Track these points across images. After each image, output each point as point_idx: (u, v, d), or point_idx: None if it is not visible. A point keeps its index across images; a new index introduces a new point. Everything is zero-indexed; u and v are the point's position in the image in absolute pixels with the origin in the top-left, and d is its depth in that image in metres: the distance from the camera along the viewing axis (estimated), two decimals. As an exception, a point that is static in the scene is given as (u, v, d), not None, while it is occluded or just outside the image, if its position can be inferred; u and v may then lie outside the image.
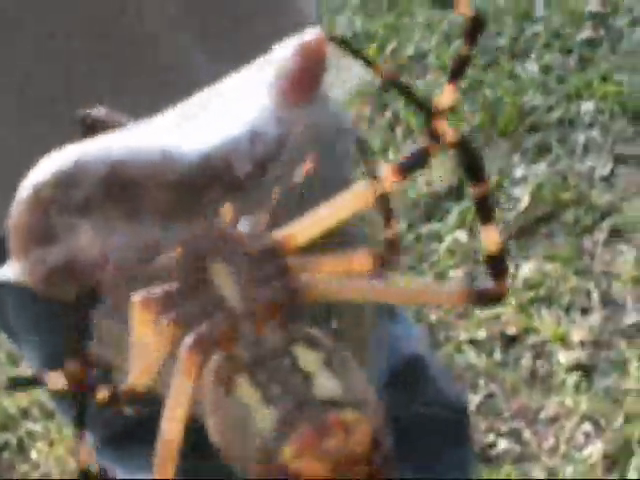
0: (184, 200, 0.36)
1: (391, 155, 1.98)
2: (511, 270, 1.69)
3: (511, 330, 1.61)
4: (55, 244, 0.35)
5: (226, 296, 0.40)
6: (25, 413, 1.73)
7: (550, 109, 1.97)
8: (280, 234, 0.41)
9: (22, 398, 1.73)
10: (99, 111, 0.41)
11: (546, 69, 2.08)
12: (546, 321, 1.60)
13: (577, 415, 1.48)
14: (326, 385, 0.39)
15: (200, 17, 0.77)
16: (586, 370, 1.53)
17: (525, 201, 1.80)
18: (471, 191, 0.43)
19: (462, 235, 1.78)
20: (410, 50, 2.23)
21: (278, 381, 0.39)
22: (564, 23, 2.18)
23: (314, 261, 0.42)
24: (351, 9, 2.44)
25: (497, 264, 0.43)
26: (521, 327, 1.61)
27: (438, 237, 1.79)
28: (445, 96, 0.43)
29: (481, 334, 1.62)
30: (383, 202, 0.42)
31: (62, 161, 0.36)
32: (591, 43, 2.11)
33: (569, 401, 1.49)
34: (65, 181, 0.35)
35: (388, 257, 0.43)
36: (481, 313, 1.64)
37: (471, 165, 0.43)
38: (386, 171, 0.41)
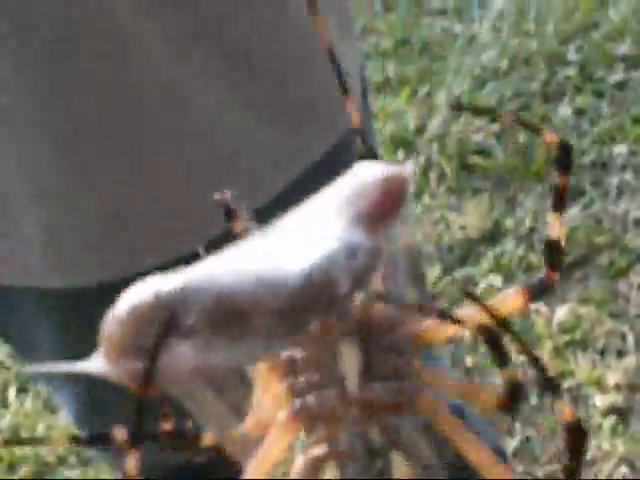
0: (288, 322, 0.36)
1: (426, 200, 2.01)
2: (546, 314, 1.72)
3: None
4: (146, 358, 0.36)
5: (347, 377, 0.40)
6: (62, 461, 1.76)
7: (583, 152, 2.00)
8: (412, 327, 0.42)
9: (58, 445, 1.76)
10: (227, 195, 0.45)
11: (578, 112, 2.11)
12: (581, 365, 1.62)
13: (614, 458, 1.49)
14: None
15: (239, 75, 0.77)
16: (622, 413, 1.55)
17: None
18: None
19: (497, 279, 1.80)
20: (442, 94, 2.26)
21: None
22: (596, 66, 2.21)
23: (442, 374, 0.43)
24: (383, 54, 2.48)
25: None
26: (557, 371, 1.63)
27: (473, 281, 1.82)
28: (554, 228, 0.44)
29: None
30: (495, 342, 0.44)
31: (168, 284, 0.36)
32: (623, 86, 2.14)
33: (606, 444, 1.51)
34: (168, 305, 0.35)
35: (510, 401, 0.43)
36: (517, 357, 1.66)
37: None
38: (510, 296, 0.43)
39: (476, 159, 2.05)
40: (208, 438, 0.41)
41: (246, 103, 0.76)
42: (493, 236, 1.89)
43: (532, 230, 1.88)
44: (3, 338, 0.91)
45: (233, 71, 0.75)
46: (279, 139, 0.77)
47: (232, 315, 0.35)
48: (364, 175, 0.39)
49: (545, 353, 1.65)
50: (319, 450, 0.40)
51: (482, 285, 1.79)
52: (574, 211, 1.88)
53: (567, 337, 1.67)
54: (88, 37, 0.69)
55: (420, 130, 2.19)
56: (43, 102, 0.70)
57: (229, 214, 0.45)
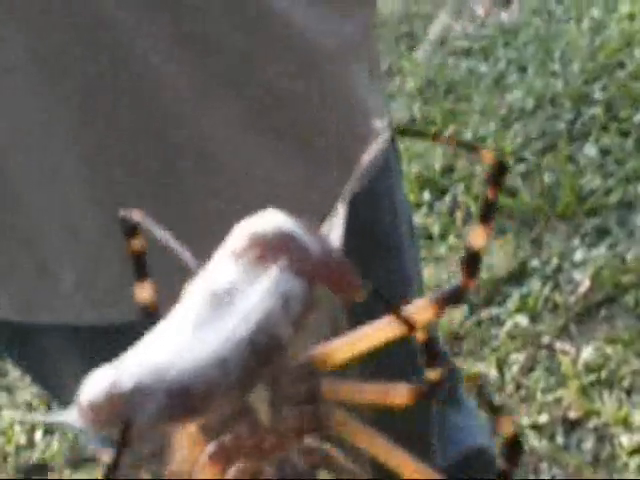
0: (244, 390, 0.37)
1: (451, 240, 2.06)
2: (572, 353, 1.76)
3: (573, 414, 1.67)
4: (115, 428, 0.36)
5: (257, 409, 0.41)
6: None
7: (609, 192, 2.05)
8: (317, 351, 0.42)
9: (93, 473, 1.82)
10: (137, 215, 0.45)
11: (604, 151, 2.15)
12: (607, 404, 1.66)
13: (641, 498, 1.53)
14: None
15: (267, 121, 0.79)
16: (648, 453, 1.58)
17: (585, 284, 1.87)
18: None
19: (523, 319, 1.84)
20: (468, 135, 2.31)
21: None
22: (621, 105, 2.25)
23: (351, 387, 0.44)
24: (408, 94, 2.54)
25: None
26: (583, 410, 1.67)
27: (499, 321, 1.86)
28: (477, 238, 0.44)
29: (543, 418, 1.68)
30: (424, 336, 0.44)
31: (117, 382, 0.36)
32: (649, 125, 2.19)
33: (632, 484, 1.54)
34: (121, 407, 0.36)
35: (430, 392, 0.44)
36: (543, 397, 1.70)
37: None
38: (423, 304, 0.42)
39: (502, 199, 2.10)
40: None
41: (275, 153, 0.79)
42: (519, 276, 1.94)
43: (558, 270, 1.92)
44: (35, 379, 0.95)
45: (261, 117, 0.78)
46: (309, 184, 0.81)
47: (188, 408, 0.36)
48: (256, 225, 0.40)
49: (571, 392, 1.69)
50: None
51: (508, 325, 1.84)
52: (600, 251, 1.93)
53: (593, 376, 1.71)
54: (116, 82, 0.73)
55: (446, 170, 2.24)
56: (76, 140, 0.74)
57: (130, 231, 0.46)
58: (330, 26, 0.81)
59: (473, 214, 2.09)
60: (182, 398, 0.36)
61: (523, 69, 2.49)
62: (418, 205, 2.16)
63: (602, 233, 1.98)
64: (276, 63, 0.78)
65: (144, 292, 0.46)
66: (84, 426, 0.37)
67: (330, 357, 0.43)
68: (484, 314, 1.89)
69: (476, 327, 1.87)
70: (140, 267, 0.46)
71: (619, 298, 1.84)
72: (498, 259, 1.97)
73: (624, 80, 2.32)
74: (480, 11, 2.88)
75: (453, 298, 0.42)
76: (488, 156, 0.43)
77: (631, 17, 2.54)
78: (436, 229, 2.09)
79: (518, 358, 1.79)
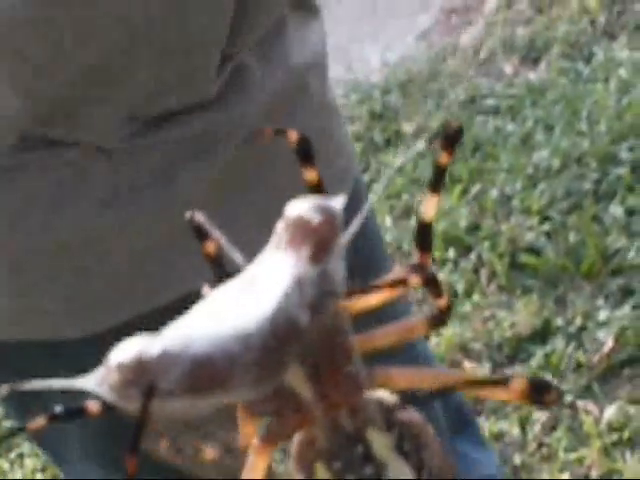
0: (266, 370, 0.38)
1: (476, 298, 2.11)
2: (595, 413, 1.81)
3: (595, 473, 1.71)
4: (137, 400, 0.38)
5: (296, 387, 0.43)
6: None
7: (634, 252, 2.10)
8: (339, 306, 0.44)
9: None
10: (199, 217, 0.48)
11: (630, 212, 2.21)
12: (630, 464, 1.70)
13: None
14: (398, 472, 0.44)
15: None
16: (670, 513, 1.62)
17: (609, 344, 1.92)
18: (436, 159, 0.46)
19: (547, 377, 1.89)
20: (494, 193, 2.38)
21: (352, 471, 0.44)
22: (648, 166, 2.31)
23: (377, 335, 0.47)
24: (435, 152, 2.60)
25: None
26: (605, 470, 1.71)
27: (522, 380, 1.91)
28: (428, 208, 0.45)
29: (565, 477, 1.72)
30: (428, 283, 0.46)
31: (147, 349, 0.38)
32: (675, 186, 2.25)
33: None
34: (147, 369, 0.38)
35: (443, 318, 0.47)
36: (565, 456, 1.75)
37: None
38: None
39: (527, 258, 2.16)
40: (209, 453, 0.46)
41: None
42: (543, 335, 1.99)
43: (582, 329, 1.98)
44: (16, 402, 0.96)
45: None
46: None
47: (210, 378, 0.38)
48: (296, 211, 0.42)
49: (593, 452, 1.73)
50: (304, 456, 0.45)
51: (531, 383, 1.88)
52: (624, 311, 1.98)
53: (616, 436, 1.76)
54: None
55: (471, 228, 2.30)
56: None
57: (200, 234, 0.48)
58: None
59: (498, 273, 2.15)
60: (205, 367, 0.37)
61: (550, 128, 2.55)
62: (443, 262, 2.22)
63: (626, 293, 2.03)
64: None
65: None
66: (105, 391, 0.39)
67: (352, 306, 0.45)
68: (507, 372, 1.94)
69: (499, 385, 1.91)
70: (218, 269, 0.48)
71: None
72: (522, 317, 2.03)
73: (651, 140, 2.38)
74: (508, 70, 2.96)
75: (417, 273, 0.45)
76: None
77: (659, 78, 2.61)
78: (460, 287, 2.15)
79: (541, 417, 1.83)
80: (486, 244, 2.23)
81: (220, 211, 0.84)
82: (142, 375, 0.38)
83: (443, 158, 0.44)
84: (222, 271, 0.48)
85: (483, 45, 3.12)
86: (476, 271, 2.19)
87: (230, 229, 0.49)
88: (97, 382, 0.39)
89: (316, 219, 0.41)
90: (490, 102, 2.78)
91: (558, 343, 1.96)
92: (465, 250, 2.25)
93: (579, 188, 2.33)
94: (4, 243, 0.84)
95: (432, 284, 0.45)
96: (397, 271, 0.45)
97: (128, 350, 0.39)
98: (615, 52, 2.82)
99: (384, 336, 0.47)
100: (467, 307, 2.10)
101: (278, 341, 0.38)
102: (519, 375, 0.47)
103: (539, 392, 0.45)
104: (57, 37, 0.76)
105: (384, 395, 0.46)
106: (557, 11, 3.14)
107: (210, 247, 0.49)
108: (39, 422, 0.44)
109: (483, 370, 1.93)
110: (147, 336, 0.39)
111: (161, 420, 0.39)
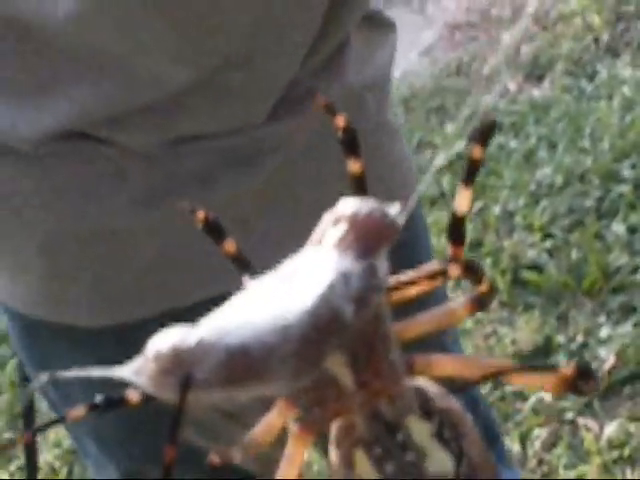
0: (303, 362, 0.38)
1: (478, 314, 2.12)
2: (595, 430, 1.82)
3: (595, 490, 1.73)
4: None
5: (338, 375, 0.43)
6: None
7: (635, 269, 2.12)
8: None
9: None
10: (187, 205, 0.47)
11: (632, 229, 2.23)
12: (630, 481, 1.72)
13: None
14: (438, 460, 0.44)
15: None
16: (669, 531, 1.64)
17: (610, 361, 1.94)
18: (467, 152, 0.45)
19: (547, 395, 1.91)
20: (497, 210, 2.39)
21: (392, 458, 0.44)
22: (650, 184, 2.33)
23: (418, 321, 0.47)
24: (437, 168, 2.63)
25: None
26: (605, 487, 1.73)
27: (523, 396, 1.93)
28: (462, 202, 0.45)
29: (565, 493, 1.74)
30: (468, 272, 0.46)
31: (184, 339, 0.39)
32: (677, 204, 2.26)
33: None
34: (183, 359, 0.38)
35: (485, 301, 0.47)
36: (565, 473, 1.76)
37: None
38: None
39: (529, 274, 2.18)
40: (220, 452, 0.46)
41: None
42: (544, 351, 2.01)
43: (583, 346, 1.99)
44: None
45: None
46: None
47: (246, 369, 0.38)
48: (351, 207, 0.42)
49: (593, 469, 1.75)
50: (345, 443, 0.45)
51: (532, 400, 1.90)
52: (626, 328, 1.99)
53: (616, 453, 1.77)
54: None
55: (474, 244, 2.32)
56: None
57: (216, 233, 0.48)
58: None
59: (500, 289, 2.16)
60: (241, 357, 0.37)
61: (553, 145, 2.57)
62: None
63: (628, 310, 2.05)
64: None
65: None
66: (143, 381, 0.39)
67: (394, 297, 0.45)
68: (508, 389, 1.95)
69: (500, 401, 1.93)
70: (242, 266, 0.48)
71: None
72: (523, 334, 2.04)
73: (654, 158, 2.40)
74: (512, 86, 2.98)
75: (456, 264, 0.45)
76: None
77: (662, 96, 2.63)
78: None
79: (541, 433, 1.85)
80: (488, 260, 2.24)
81: (257, 222, 0.87)
82: (179, 365, 0.38)
83: (476, 152, 0.44)
84: (248, 269, 0.48)
85: (487, 61, 3.15)
86: (478, 287, 2.20)
87: (260, 245, 0.49)
88: (135, 371, 0.39)
89: (371, 216, 0.41)
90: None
91: (559, 360, 1.97)
92: (467, 266, 2.26)
93: (581, 205, 2.35)
94: (35, 224, 0.85)
95: (471, 272, 0.46)
96: (434, 263, 0.46)
97: (166, 340, 0.39)
98: (619, 70, 2.85)
99: (425, 322, 0.47)
100: (469, 323, 2.12)
101: (319, 333, 0.38)
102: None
103: (583, 378, 0.45)
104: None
105: (425, 383, 0.46)
106: (561, 28, 3.17)
107: (230, 246, 0.49)
108: (79, 411, 0.44)
109: (485, 386, 1.95)
110: (185, 326, 0.39)
111: (199, 410, 0.39)
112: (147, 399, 0.41)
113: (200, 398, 0.38)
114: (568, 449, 1.81)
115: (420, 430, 0.44)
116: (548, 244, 2.25)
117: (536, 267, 2.20)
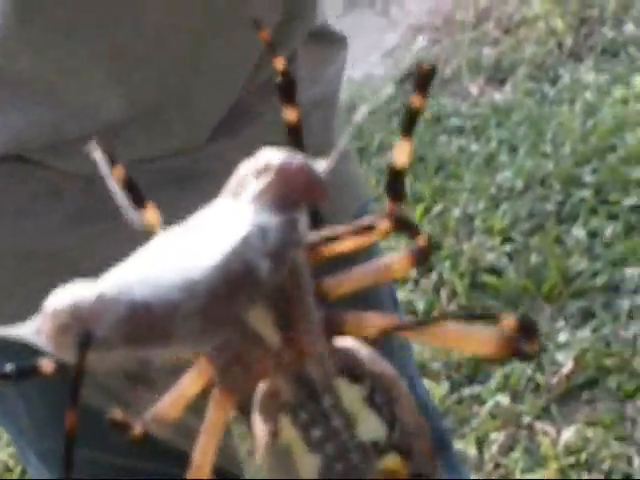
0: (212, 320, 0.36)
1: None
2: (552, 434, 1.81)
3: (551, 495, 1.72)
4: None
5: (263, 333, 0.41)
6: None
7: (595, 274, 2.12)
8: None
9: None
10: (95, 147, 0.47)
11: (592, 234, 2.23)
12: (586, 487, 1.71)
13: None
14: (369, 426, 0.42)
15: None
16: (625, 537, 1.63)
17: (568, 366, 1.93)
18: (410, 101, 0.43)
19: (504, 399, 1.90)
20: (457, 213, 2.39)
21: (320, 423, 0.42)
22: (611, 189, 2.33)
23: (353, 275, 0.45)
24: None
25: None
26: (561, 492, 1.72)
27: (480, 400, 1.92)
28: (401, 154, 0.43)
29: (521, 498, 1.73)
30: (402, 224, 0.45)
31: (84, 295, 0.37)
32: (637, 209, 2.27)
33: None
34: (82, 315, 0.36)
35: (423, 255, 0.46)
36: (522, 477, 1.75)
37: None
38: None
39: (488, 278, 2.17)
40: (138, 425, 0.42)
41: None
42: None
43: (542, 351, 1.98)
44: None
45: None
46: None
47: (149, 326, 0.36)
48: (264, 159, 0.40)
49: (550, 474, 1.74)
50: (269, 409, 0.42)
51: (489, 404, 1.89)
52: (584, 333, 1.99)
53: (573, 458, 1.76)
54: None
55: (432, 248, 2.30)
56: None
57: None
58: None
59: (459, 292, 2.16)
60: (143, 313, 0.36)
61: (514, 149, 2.57)
62: (403, 281, 2.22)
63: (587, 315, 2.05)
64: None
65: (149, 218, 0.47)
66: (42, 340, 0.37)
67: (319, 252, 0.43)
68: (465, 392, 1.94)
69: (457, 405, 1.92)
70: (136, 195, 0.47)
71: (602, 381, 1.90)
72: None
73: (615, 164, 2.40)
74: (473, 90, 2.98)
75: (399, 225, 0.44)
76: (423, 69, 0.42)
77: (624, 101, 2.64)
78: (421, 306, 2.15)
79: (498, 437, 1.84)
80: (447, 263, 2.24)
81: None
82: (78, 322, 0.36)
83: (416, 101, 0.43)
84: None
85: (449, 64, 3.14)
86: (437, 290, 2.20)
87: None
88: (35, 330, 0.38)
89: (295, 169, 0.39)
90: (455, 122, 2.79)
91: (517, 364, 1.97)
92: (426, 269, 2.26)
93: (542, 209, 2.34)
94: None
95: (404, 227, 0.44)
96: (367, 219, 0.44)
97: (64, 296, 0.37)
98: (581, 74, 2.86)
99: (359, 277, 0.45)
100: (427, 326, 2.10)
101: (229, 290, 0.36)
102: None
103: (525, 335, 0.43)
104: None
105: (355, 345, 0.44)
106: (524, 32, 3.17)
107: (119, 172, 0.48)
108: None
109: (441, 389, 1.94)
110: (84, 283, 0.38)
111: (103, 374, 0.37)
112: (61, 369, 0.39)
113: (105, 359, 0.36)
114: (525, 453, 1.80)
115: (350, 394, 0.42)
116: (508, 248, 2.25)
117: (495, 271, 2.19)
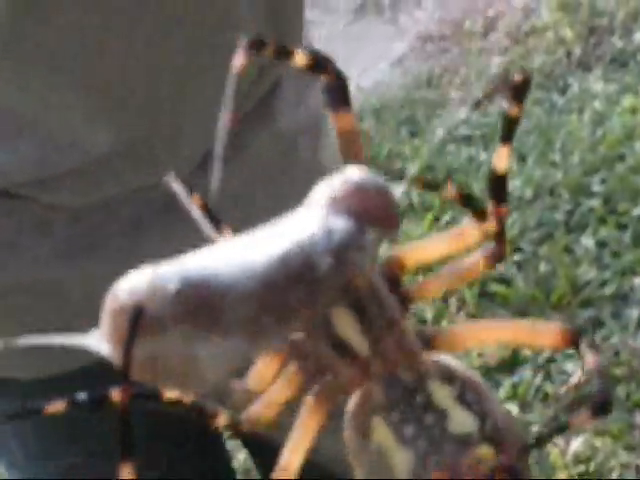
0: (268, 310, 0.37)
1: (444, 325, 2.12)
2: (561, 445, 1.82)
3: (560, 505, 1.73)
4: (142, 343, 0.37)
5: (351, 342, 0.43)
6: None
7: (604, 284, 2.12)
8: (392, 260, 0.45)
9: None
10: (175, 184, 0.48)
11: (601, 244, 2.24)
12: (595, 496, 1.72)
13: None
14: (461, 420, 0.43)
15: None
16: None
17: (577, 375, 1.93)
18: (506, 110, 0.45)
19: (513, 408, 1.91)
20: (466, 221, 2.39)
21: (412, 420, 0.43)
22: (620, 198, 2.34)
23: (435, 279, 0.47)
24: (408, 180, 2.62)
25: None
26: (570, 502, 1.72)
27: (489, 409, 1.92)
28: (501, 160, 0.46)
29: (529, 508, 1.73)
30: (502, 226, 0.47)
31: (140, 276, 0.38)
32: (646, 219, 2.27)
33: None
34: (139, 295, 0.37)
35: (498, 258, 0.48)
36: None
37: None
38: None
39: (497, 287, 2.18)
40: (223, 418, 0.44)
41: None
42: (511, 365, 2.01)
43: (550, 360, 1.99)
44: None
45: None
46: None
47: (199, 304, 0.36)
48: (349, 175, 0.42)
49: (559, 483, 1.75)
50: (361, 413, 0.43)
51: (498, 413, 1.90)
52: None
53: (581, 468, 1.77)
54: None
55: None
56: None
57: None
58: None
59: (467, 301, 2.16)
60: (194, 290, 0.36)
61: (523, 158, 2.58)
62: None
63: (596, 325, 2.05)
64: None
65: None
66: (102, 336, 0.38)
67: (409, 260, 0.45)
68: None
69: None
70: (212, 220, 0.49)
71: (610, 391, 1.90)
72: (490, 347, 2.04)
73: (624, 173, 2.40)
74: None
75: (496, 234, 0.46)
76: (519, 76, 0.45)
77: (633, 111, 2.64)
78: (429, 314, 2.16)
79: (507, 447, 1.84)
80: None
81: None
82: (133, 299, 0.37)
83: (513, 110, 0.45)
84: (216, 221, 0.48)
85: (458, 74, 3.15)
86: (445, 299, 2.21)
87: None
88: (97, 336, 0.38)
89: (374, 188, 0.41)
90: (463, 131, 2.80)
91: (526, 374, 1.97)
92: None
93: (551, 219, 2.35)
94: None
95: (502, 229, 0.47)
96: (467, 222, 0.48)
97: (124, 281, 0.38)
98: (590, 84, 2.86)
99: (445, 280, 0.47)
100: (435, 335, 2.11)
101: (287, 279, 0.37)
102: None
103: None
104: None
105: (445, 358, 0.45)
106: (533, 41, 3.18)
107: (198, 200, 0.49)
108: (58, 406, 0.43)
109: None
110: (147, 267, 0.38)
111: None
112: (132, 397, 0.39)
113: (161, 343, 0.36)
114: (534, 464, 1.80)
115: (441, 393, 0.43)
116: (517, 257, 2.25)
117: (504, 280, 2.20)
